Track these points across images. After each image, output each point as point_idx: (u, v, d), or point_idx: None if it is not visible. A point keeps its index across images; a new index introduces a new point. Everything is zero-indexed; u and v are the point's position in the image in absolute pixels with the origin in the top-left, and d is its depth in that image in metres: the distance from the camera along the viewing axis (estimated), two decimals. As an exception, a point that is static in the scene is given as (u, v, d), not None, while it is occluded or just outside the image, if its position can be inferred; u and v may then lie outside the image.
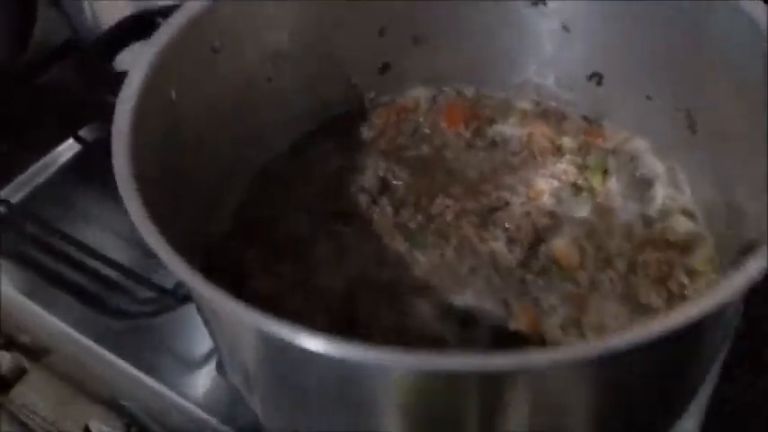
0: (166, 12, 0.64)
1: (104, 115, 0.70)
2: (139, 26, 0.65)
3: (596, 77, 0.73)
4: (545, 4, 0.71)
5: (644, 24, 0.65)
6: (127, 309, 0.79)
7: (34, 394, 0.73)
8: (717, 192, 0.64)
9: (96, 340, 0.75)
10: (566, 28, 0.72)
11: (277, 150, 0.74)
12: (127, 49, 0.67)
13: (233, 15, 0.64)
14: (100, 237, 0.83)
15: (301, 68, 0.73)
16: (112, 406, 0.71)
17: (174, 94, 0.59)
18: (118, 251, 0.81)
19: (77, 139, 0.91)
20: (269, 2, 0.66)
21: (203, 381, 0.72)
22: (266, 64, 0.70)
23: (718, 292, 0.41)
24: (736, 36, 0.57)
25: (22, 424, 0.71)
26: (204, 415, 0.69)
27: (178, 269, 0.44)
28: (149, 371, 0.72)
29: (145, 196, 0.50)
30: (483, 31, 0.75)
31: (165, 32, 0.58)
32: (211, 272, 0.63)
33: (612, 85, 0.72)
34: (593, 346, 0.40)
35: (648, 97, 0.69)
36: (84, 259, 0.81)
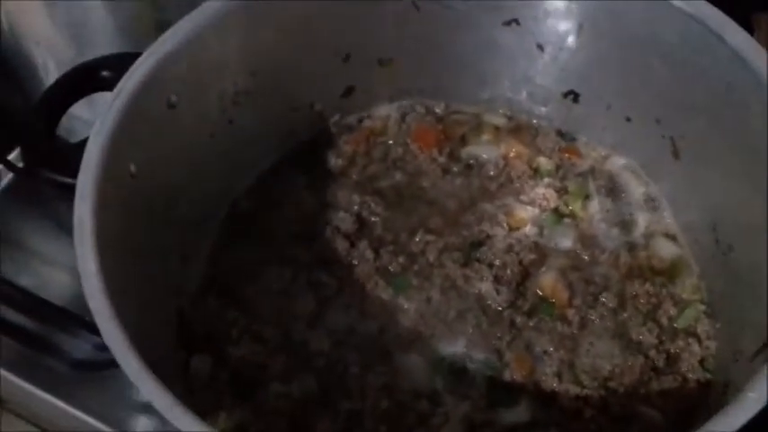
0: (112, 63, 0.58)
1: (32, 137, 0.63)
2: (85, 80, 0.59)
3: (572, 95, 0.71)
4: (518, 23, 0.68)
5: (623, 49, 0.63)
6: (71, 353, 0.72)
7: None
8: (701, 216, 0.64)
9: (42, 387, 0.70)
10: (540, 47, 0.69)
11: (243, 190, 0.70)
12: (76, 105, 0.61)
13: (189, 65, 0.58)
14: (41, 270, 0.77)
15: (264, 103, 0.68)
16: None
17: (133, 168, 0.54)
18: (60, 287, 0.74)
19: (7, 164, 0.78)
20: (227, 45, 0.61)
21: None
22: (227, 107, 0.65)
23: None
24: (727, 71, 0.55)
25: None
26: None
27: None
28: (100, 418, 0.68)
29: (109, 280, 0.47)
30: (453, 52, 0.72)
31: (118, 100, 0.53)
32: (188, 336, 0.62)
33: (589, 103, 0.70)
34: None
35: (628, 119, 0.68)
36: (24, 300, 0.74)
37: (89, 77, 0.58)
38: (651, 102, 0.64)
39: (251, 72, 0.65)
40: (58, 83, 0.58)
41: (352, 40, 0.69)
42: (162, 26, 0.58)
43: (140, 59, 0.55)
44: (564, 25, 0.66)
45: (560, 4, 0.64)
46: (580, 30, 0.65)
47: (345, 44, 0.70)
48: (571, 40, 0.66)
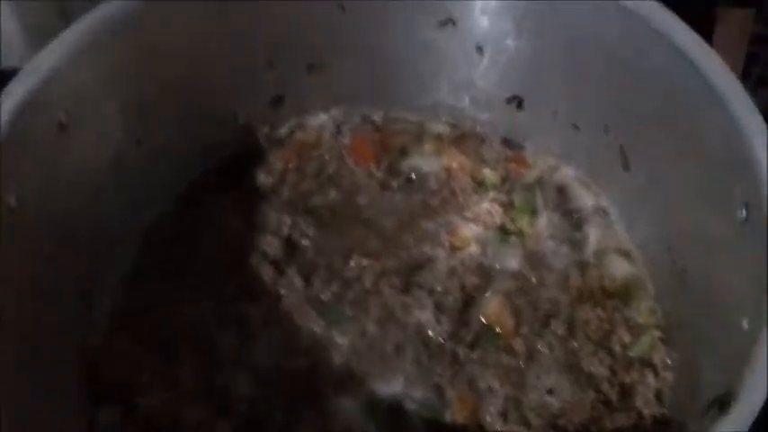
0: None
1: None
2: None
3: (516, 101, 0.66)
4: (454, 24, 0.62)
5: (565, 50, 0.58)
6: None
7: None
8: (655, 232, 0.59)
9: None
10: (479, 49, 0.63)
11: (158, 215, 0.64)
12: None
13: (79, 80, 0.52)
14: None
15: (177, 117, 0.61)
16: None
17: (13, 201, 0.47)
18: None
19: None
20: (124, 52, 0.54)
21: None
22: (132, 123, 0.58)
23: None
24: (674, 73, 0.50)
25: None
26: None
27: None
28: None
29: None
30: (387, 55, 0.66)
31: (-8, 125, 0.46)
32: (94, 386, 0.55)
33: (535, 109, 0.65)
34: None
35: (575, 126, 0.62)
36: None
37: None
38: (598, 107, 0.59)
39: (157, 81, 0.58)
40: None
41: (274, 45, 0.63)
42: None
43: (17, 79, 0.48)
44: (502, 25, 0.60)
45: (495, 2, 0.59)
46: (519, 29, 0.60)
47: (266, 48, 0.63)
48: (510, 40, 0.61)
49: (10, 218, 0.47)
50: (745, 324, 0.41)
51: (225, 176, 0.67)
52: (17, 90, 0.48)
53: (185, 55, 0.58)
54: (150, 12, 0.54)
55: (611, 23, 0.52)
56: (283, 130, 0.70)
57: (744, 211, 0.44)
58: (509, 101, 0.66)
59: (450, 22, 0.62)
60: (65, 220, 0.53)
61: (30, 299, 0.50)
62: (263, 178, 0.67)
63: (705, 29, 0.73)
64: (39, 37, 0.66)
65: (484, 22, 0.60)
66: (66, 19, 0.64)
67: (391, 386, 0.55)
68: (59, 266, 0.53)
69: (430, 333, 0.57)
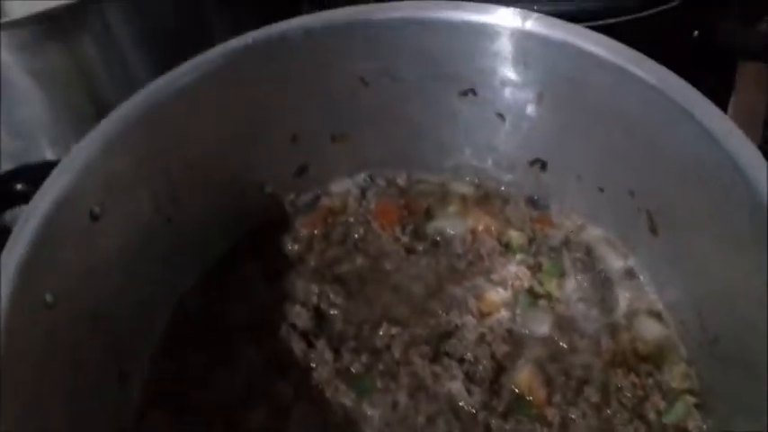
0: (26, 175, 0.53)
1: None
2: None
3: (539, 163, 0.66)
4: (475, 93, 0.63)
5: (586, 119, 0.58)
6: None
7: None
8: (685, 295, 0.58)
9: None
10: (500, 116, 0.64)
11: (189, 287, 0.65)
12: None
13: (111, 173, 0.53)
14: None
15: (205, 193, 0.63)
16: None
17: (49, 298, 0.48)
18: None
19: None
20: (155, 142, 0.56)
21: None
22: (162, 204, 0.59)
23: None
24: (696, 148, 0.50)
25: None
26: None
27: None
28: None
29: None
30: (410, 123, 0.67)
31: (26, 227, 0.48)
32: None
33: (558, 172, 0.65)
34: None
35: (601, 189, 0.62)
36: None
37: (2, 192, 0.53)
38: (622, 173, 0.59)
39: (186, 164, 0.60)
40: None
41: (297, 122, 0.65)
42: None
43: (52, 177, 0.50)
44: (522, 94, 0.61)
45: (516, 74, 0.59)
46: (539, 99, 0.60)
47: (291, 125, 0.65)
48: (531, 109, 0.61)
49: (48, 313, 0.49)
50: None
51: (252, 246, 0.68)
52: (50, 191, 0.50)
53: (213, 136, 0.60)
54: (179, 102, 0.55)
55: (632, 98, 0.52)
56: (308, 197, 0.71)
57: (773, 290, 0.43)
58: (532, 163, 0.66)
59: (470, 92, 0.62)
60: (98, 305, 0.54)
61: (70, 385, 0.51)
62: (290, 246, 0.68)
63: (726, 83, 0.74)
64: (71, 122, 0.69)
65: (504, 92, 0.61)
66: (98, 104, 0.68)
67: (424, 461, 0.55)
68: (94, 351, 0.54)
69: (461, 404, 0.57)
